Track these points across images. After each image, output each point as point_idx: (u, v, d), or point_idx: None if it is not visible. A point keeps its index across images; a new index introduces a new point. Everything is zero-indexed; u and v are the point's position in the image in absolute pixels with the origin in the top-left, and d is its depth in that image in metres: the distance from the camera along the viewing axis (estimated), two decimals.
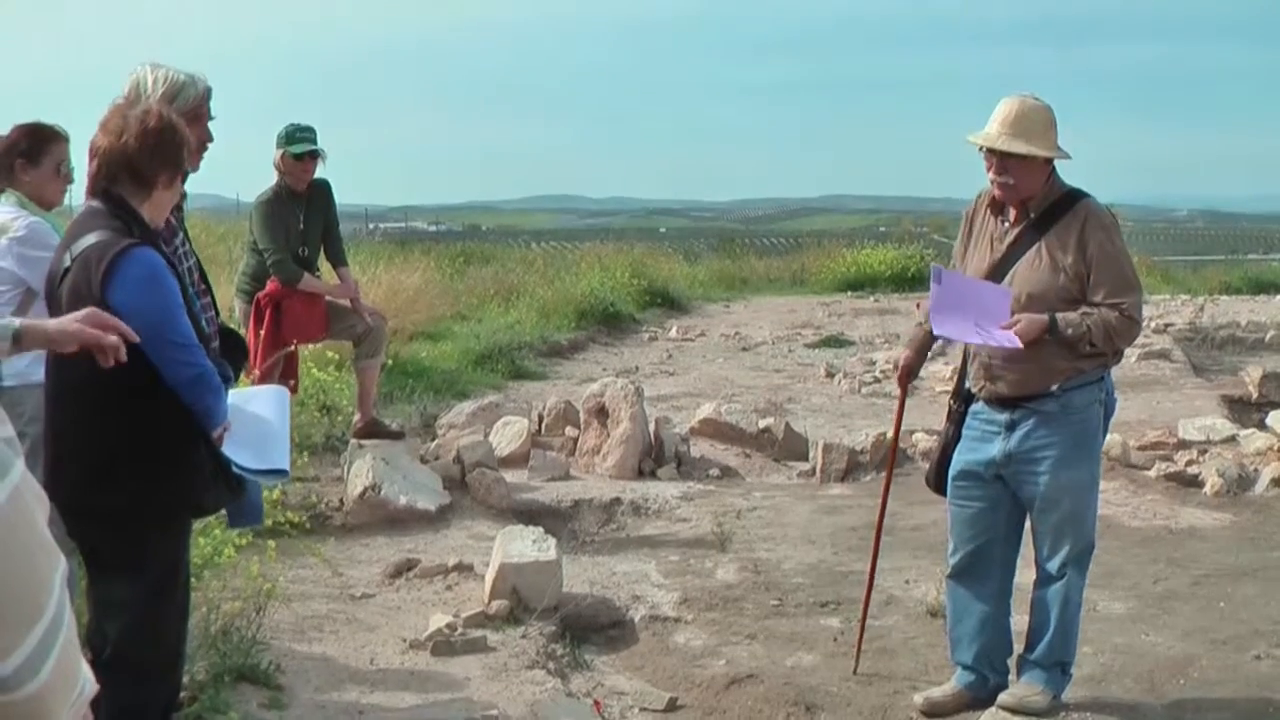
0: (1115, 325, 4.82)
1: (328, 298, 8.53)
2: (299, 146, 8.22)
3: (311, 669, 5.54)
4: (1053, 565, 5.06)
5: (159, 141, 3.89)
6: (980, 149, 4.92)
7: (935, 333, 5.15)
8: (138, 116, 3.91)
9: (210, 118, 4.72)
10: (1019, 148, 4.81)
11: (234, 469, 3.89)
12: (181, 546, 4.10)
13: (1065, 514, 5.00)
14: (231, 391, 4.07)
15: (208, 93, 4.68)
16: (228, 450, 3.87)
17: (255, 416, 4.05)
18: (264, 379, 7.15)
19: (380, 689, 5.40)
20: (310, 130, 8.32)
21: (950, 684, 5.36)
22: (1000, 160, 4.86)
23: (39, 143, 5.07)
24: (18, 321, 3.56)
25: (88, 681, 1.59)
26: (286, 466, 4.06)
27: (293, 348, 8.24)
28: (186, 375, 3.80)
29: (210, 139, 4.73)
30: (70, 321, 3.47)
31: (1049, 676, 5.11)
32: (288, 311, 8.25)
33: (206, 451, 3.86)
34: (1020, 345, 4.76)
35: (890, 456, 6.08)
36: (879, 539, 5.86)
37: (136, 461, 3.80)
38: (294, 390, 7.97)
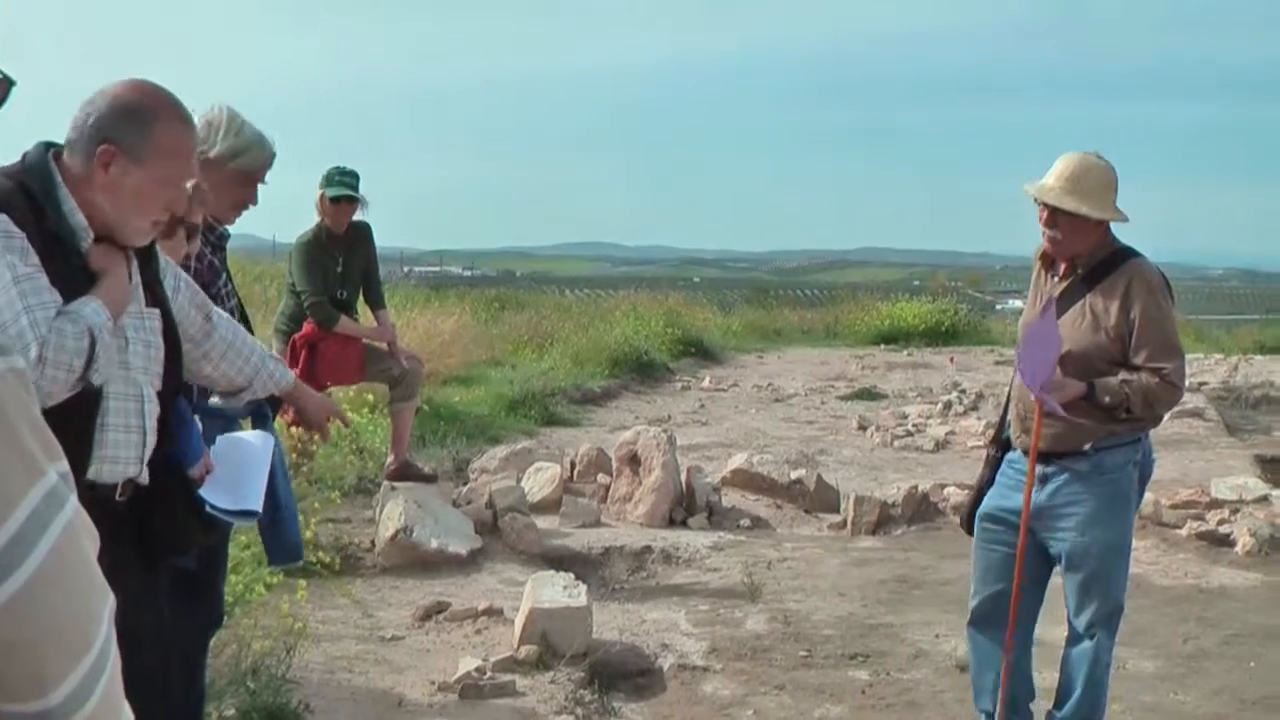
0: (1156, 391, 4.75)
1: (365, 340, 8.57)
2: (335, 190, 8.27)
3: (340, 709, 5.56)
4: (1080, 624, 5.01)
5: None
6: (1035, 200, 4.93)
7: (1019, 355, 4.97)
8: None
9: (263, 183, 4.72)
10: (1068, 204, 4.77)
11: (207, 510, 3.80)
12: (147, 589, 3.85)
13: (1092, 573, 4.95)
14: (220, 437, 4.04)
15: (270, 159, 4.68)
16: (205, 492, 3.80)
17: (237, 459, 4.01)
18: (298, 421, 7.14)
19: None
20: (352, 176, 8.36)
21: None
22: (1051, 214, 4.83)
23: None
24: (293, 375, 4.17)
25: (129, 718, 1.62)
26: (258, 508, 4.03)
27: (327, 390, 8.28)
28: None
29: (254, 203, 4.72)
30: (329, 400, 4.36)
31: None
32: (323, 354, 8.29)
33: (178, 488, 3.64)
34: (1060, 410, 4.73)
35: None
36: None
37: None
38: (324, 436, 7.92)
